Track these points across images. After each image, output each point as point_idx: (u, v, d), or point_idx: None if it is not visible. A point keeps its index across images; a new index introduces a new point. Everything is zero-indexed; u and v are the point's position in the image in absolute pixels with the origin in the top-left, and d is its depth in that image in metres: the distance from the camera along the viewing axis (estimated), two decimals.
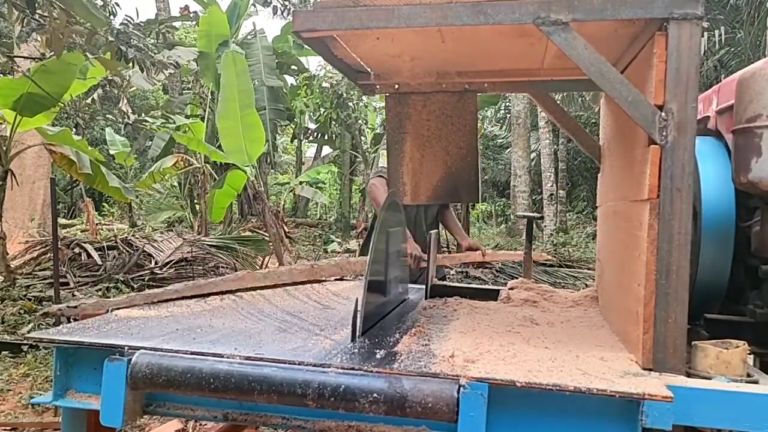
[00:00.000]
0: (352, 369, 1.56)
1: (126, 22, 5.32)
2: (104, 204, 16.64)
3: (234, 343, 1.80)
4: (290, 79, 15.39)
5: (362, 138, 15.12)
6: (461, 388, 1.45)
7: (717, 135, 2.21)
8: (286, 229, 7.71)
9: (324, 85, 13.80)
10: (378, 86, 2.73)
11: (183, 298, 2.45)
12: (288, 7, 10.24)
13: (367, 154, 15.08)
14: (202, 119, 11.38)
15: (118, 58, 5.04)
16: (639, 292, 1.68)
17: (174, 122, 8.52)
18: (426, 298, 2.73)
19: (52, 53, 4.99)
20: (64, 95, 6.23)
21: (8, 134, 6.55)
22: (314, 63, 26.08)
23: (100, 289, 6.35)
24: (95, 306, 2.23)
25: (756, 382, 1.60)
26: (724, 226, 2.06)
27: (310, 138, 17.79)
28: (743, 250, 2.07)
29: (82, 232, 10.61)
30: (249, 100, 8.05)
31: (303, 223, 17.90)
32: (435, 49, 2.26)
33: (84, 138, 8.44)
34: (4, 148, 6.47)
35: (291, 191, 15.44)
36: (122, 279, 6.60)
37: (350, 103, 13.75)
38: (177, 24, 15.48)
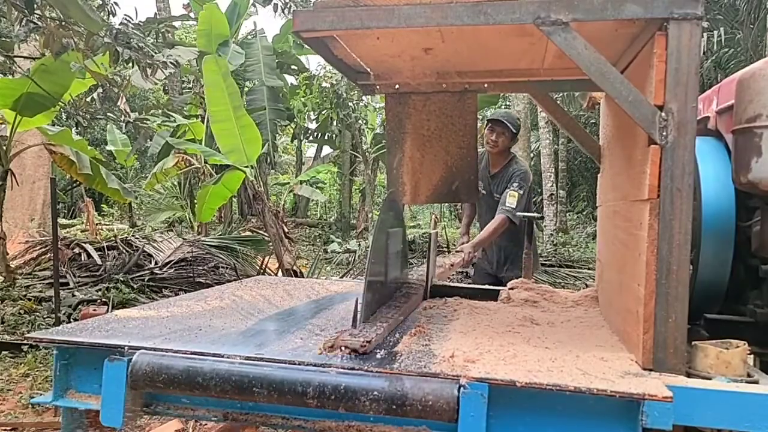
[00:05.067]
0: (353, 369, 1.56)
1: (125, 21, 5.30)
2: (104, 204, 16.63)
3: (234, 343, 1.80)
4: (290, 79, 15.39)
5: (362, 138, 15.12)
6: (461, 388, 1.45)
7: (717, 135, 2.21)
8: (286, 229, 7.65)
9: (324, 85, 13.78)
10: (378, 86, 2.73)
11: None
12: (289, 4, 10.19)
13: (367, 154, 15.07)
14: (202, 119, 11.37)
15: (115, 59, 5.03)
16: (639, 291, 1.68)
17: (174, 120, 8.48)
18: (426, 298, 2.73)
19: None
20: (64, 95, 6.23)
21: (8, 134, 6.55)
22: (314, 63, 26.11)
23: (100, 290, 6.35)
24: None
25: (756, 382, 1.60)
26: (724, 226, 2.06)
27: (310, 138, 17.79)
28: (743, 250, 2.07)
29: (82, 232, 10.60)
30: (238, 102, 8.10)
31: (303, 223, 17.91)
32: (435, 49, 2.26)
33: (84, 138, 8.42)
34: (4, 148, 6.47)
35: (291, 191, 15.43)
36: (122, 279, 6.60)
37: (350, 103, 13.74)
38: (177, 24, 15.48)
